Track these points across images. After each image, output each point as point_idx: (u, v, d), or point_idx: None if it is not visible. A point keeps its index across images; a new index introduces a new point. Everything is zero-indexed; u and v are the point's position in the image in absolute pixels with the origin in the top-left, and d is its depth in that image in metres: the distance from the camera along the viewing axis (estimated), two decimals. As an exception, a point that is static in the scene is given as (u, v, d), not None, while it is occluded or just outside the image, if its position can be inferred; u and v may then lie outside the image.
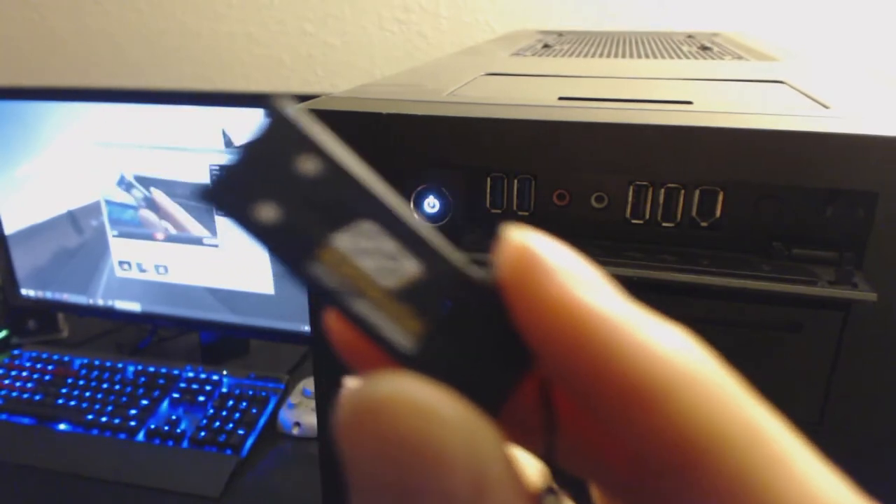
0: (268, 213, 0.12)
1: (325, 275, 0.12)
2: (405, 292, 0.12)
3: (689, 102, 0.30)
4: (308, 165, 0.12)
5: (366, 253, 0.12)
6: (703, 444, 0.11)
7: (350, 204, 0.12)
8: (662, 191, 0.27)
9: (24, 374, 0.94)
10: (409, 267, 0.12)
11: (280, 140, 0.12)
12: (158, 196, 0.91)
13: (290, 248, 0.12)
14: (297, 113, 0.12)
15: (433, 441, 0.11)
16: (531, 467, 0.15)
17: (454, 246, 0.13)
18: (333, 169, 0.12)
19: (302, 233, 0.12)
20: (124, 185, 0.91)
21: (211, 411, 0.86)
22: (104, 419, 0.84)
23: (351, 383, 0.12)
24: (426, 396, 0.11)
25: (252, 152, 0.12)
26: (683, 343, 0.12)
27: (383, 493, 0.11)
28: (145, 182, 0.91)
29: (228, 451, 0.80)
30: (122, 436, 0.83)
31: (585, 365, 0.12)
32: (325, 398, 0.36)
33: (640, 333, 0.12)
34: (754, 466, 0.11)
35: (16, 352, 0.99)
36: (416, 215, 0.13)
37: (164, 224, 0.92)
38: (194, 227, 0.91)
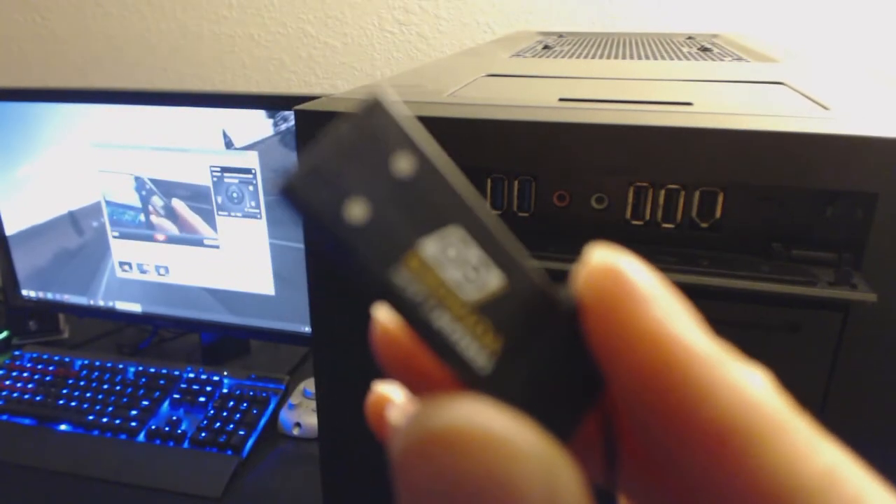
0: (358, 211, 0.11)
1: (408, 283, 0.11)
2: (487, 307, 0.11)
3: (689, 104, 0.30)
4: (403, 164, 0.11)
5: (452, 262, 0.11)
6: (786, 495, 0.10)
7: (441, 208, 0.11)
8: (662, 192, 0.27)
9: (25, 374, 0.94)
10: (494, 280, 0.11)
11: (377, 133, 0.11)
12: (178, 205, 0.91)
13: (376, 250, 0.11)
14: (398, 105, 0.11)
15: (509, 477, 0.09)
16: None
17: (535, 262, 0.12)
18: (428, 169, 0.11)
19: (390, 235, 0.11)
20: (144, 190, 0.92)
21: (211, 412, 0.86)
22: (105, 420, 0.84)
23: (411, 407, 0.10)
24: (502, 426, 0.10)
25: (345, 143, 0.11)
26: (767, 387, 0.12)
27: None
28: (146, 183, 0.91)
29: (229, 452, 0.80)
30: (123, 436, 0.83)
31: (669, 402, 0.11)
32: (326, 399, 0.36)
33: (730, 375, 0.11)
34: None
35: (16, 352, 0.99)
36: (504, 226, 0.12)
37: (172, 227, 0.92)
38: (208, 232, 0.91)
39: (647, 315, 0.11)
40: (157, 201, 0.91)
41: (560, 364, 0.12)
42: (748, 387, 0.11)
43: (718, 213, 0.27)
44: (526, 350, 0.11)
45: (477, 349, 0.11)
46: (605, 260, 0.12)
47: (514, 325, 0.11)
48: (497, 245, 0.11)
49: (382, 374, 0.14)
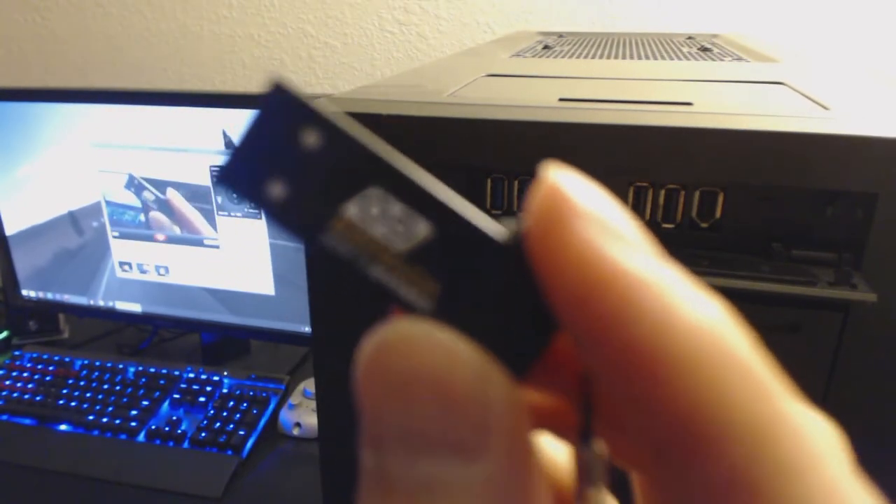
0: (278, 189, 0.12)
1: (339, 244, 0.12)
2: (417, 254, 0.12)
3: (689, 104, 0.30)
4: (311, 138, 0.12)
5: (376, 219, 0.12)
6: (711, 432, 0.10)
7: (356, 172, 0.12)
8: (662, 192, 0.27)
9: (25, 374, 0.94)
10: (421, 229, 0.12)
11: (281, 115, 0.12)
12: (173, 196, 0.91)
13: (302, 222, 0.12)
14: (294, 87, 0.12)
15: (444, 377, 0.10)
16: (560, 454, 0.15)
17: (474, 205, 0.12)
18: (335, 138, 0.12)
19: (312, 206, 0.12)
20: (133, 186, 0.92)
21: (211, 412, 0.86)
22: (105, 420, 0.84)
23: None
24: (443, 336, 0.11)
25: (256, 131, 0.12)
26: (716, 315, 0.11)
27: (390, 433, 0.11)
28: (146, 183, 0.91)
29: (229, 452, 0.80)
30: (123, 436, 0.83)
31: (597, 325, 0.10)
32: (326, 399, 0.36)
33: (666, 297, 0.10)
34: (763, 468, 0.09)
35: (17, 352, 0.99)
36: (428, 176, 0.12)
37: (174, 227, 0.92)
38: (206, 228, 0.91)
39: (580, 233, 0.10)
40: (148, 196, 0.91)
41: (507, 301, 0.12)
42: (687, 310, 0.10)
43: (718, 213, 0.27)
44: (467, 289, 0.12)
45: (416, 294, 0.12)
46: (549, 179, 0.11)
47: (448, 267, 0.12)
48: (419, 195, 0.12)
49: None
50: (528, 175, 0.28)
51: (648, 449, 0.11)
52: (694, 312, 0.10)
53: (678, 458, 0.10)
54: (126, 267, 0.97)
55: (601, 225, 0.11)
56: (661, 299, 0.10)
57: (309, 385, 0.89)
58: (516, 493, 0.11)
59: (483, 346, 0.11)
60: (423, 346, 0.11)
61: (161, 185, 0.91)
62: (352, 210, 0.12)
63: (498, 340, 0.12)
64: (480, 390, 0.10)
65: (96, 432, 0.84)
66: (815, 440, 0.10)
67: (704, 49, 0.60)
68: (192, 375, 0.93)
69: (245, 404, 0.87)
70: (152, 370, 0.94)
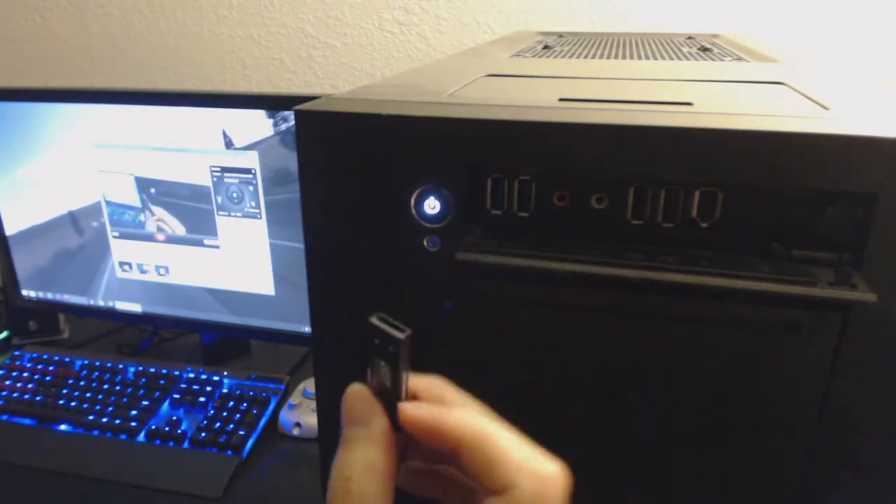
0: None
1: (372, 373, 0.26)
2: (381, 386, 0.26)
3: (690, 104, 0.30)
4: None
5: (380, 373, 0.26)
6: (465, 452, 0.24)
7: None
8: (662, 192, 0.27)
9: (25, 374, 0.94)
10: (385, 378, 0.25)
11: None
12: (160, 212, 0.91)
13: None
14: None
15: (361, 404, 0.26)
16: None
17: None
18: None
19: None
20: (140, 189, 0.91)
21: (211, 412, 0.86)
22: (105, 420, 0.84)
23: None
24: (362, 390, 0.26)
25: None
26: (468, 416, 0.25)
27: (343, 420, 0.26)
28: (146, 183, 0.91)
29: (229, 452, 0.80)
30: (123, 436, 0.83)
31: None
32: (326, 399, 0.36)
33: (455, 419, 0.25)
34: (484, 452, 0.24)
35: (17, 353, 0.99)
36: (405, 369, 0.26)
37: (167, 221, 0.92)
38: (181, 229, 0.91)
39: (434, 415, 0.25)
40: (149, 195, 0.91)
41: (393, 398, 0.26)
42: (455, 421, 0.25)
43: (718, 214, 0.27)
44: (385, 386, 0.26)
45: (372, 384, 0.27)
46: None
47: (391, 392, 0.26)
48: (396, 371, 0.26)
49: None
50: (528, 175, 0.28)
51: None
52: (452, 422, 0.25)
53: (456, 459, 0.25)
54: (126, 267, 0.97)
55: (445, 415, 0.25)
56: (445, 422, 0.25)
57: (309, 385, 0.89)
58: (380, 443, 0.25)
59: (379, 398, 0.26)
60: (358, 392, 0.26)
61: (161, 185, 0.91)
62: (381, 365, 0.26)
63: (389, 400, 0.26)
64: (371, 409, 0.26)
65: (96, 432, 0.84)
66: (498, 436, 0.25)
67: (704, 49, 0.60)
68: (192, 375, 0.93)
69: (245, 404, 0.87)
70: (152, 370, 0.94)
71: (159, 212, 0.92)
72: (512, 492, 0.23)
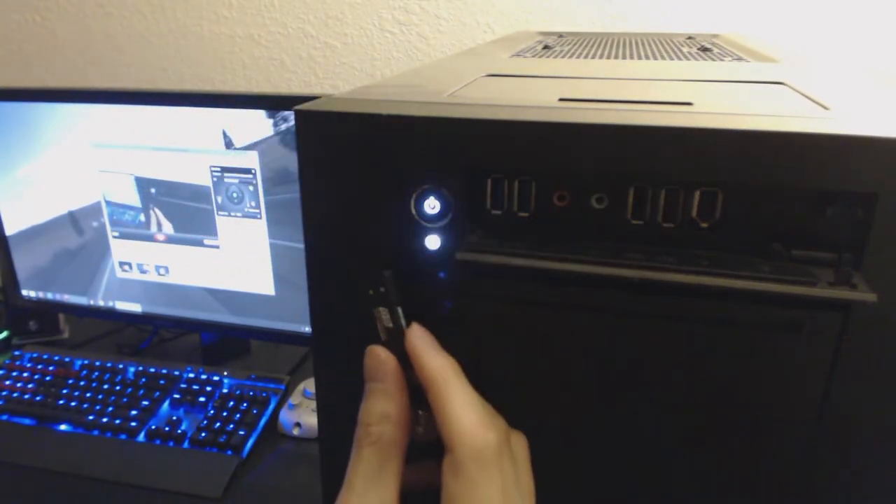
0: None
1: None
2: (387, 332, 0.30)
3: (690, 104, 0.30)
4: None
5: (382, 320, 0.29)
6: (436, 391, 0.27)
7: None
8: (663, 192, 0.27)
9: (25, 374, 0.94)
10: (387, 321, 0.29)
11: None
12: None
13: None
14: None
15: (379, 363, 0.29)
16: None
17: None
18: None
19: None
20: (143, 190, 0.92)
21: (212, 412, 0.86)
22: (105, 420, 0.84)
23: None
24: (375, 351, 0.30)
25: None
26: (445, 362, 0.28)
27: (366, 375, 0.30)
28: (146, 183, 0.91)
29: (229, 452, 0.80)
30: (123, 436, 0.83)
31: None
32: (326, 399, 0.36)
33: (427, 360, 0.28)
34: (446, 398, 0.27)
35: (17, 353, 0.99)
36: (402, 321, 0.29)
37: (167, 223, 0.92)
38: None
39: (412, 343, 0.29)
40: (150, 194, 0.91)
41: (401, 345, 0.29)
42: (432, 363, 0.28)
43: (718, 213, 0.27)
44: (395, 339, 0.30)
45: (382, 334, 0.30)
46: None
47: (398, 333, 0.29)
48: (398, 321, 0.30)
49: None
50: (528, 175, 0.28)
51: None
52: (432, 363, 0.28)
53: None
54: (126, 267, 0.97)
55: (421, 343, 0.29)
56: (428, 365, 0.28)
57: (309, 385, 0.89)
58: (394, 395, 0.29)
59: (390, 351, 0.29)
60: (375, 352, 0.30)
61: (161, 185, 0.91)
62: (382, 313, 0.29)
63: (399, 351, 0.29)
64: (385, 365, 0.29)
65: (96, 432, 0.84)
66: (459, 387, 0.28)
67: (704, 49, 0.60)
68: (192, 375, 0.93)
69: (245, 404, 0.87)
70: (152, 370, 0.94)
71: (156, 211, 0.92)
72: (452, 455, 0.26)
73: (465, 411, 0.27)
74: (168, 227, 0.92)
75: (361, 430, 0.29)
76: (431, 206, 0.28)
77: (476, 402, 0.27)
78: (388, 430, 0.28)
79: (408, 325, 0.29)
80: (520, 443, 0.30)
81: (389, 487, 0.28)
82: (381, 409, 0.29)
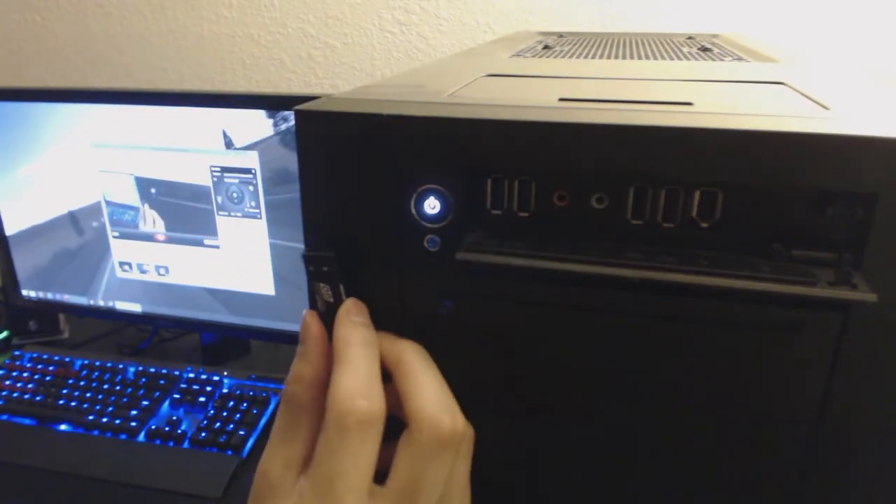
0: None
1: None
2: (326, 305, 0.30)
3: (690, 104, 0.30)
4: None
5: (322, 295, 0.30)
6: (405, 368, 0.29)
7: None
8: (663, 192, 0.27)
9: (25, 374, 0.94)
10: (328, 296, 0.30)
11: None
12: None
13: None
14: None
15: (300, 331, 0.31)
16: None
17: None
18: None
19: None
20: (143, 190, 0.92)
21: (212, 412, 0.86)
22: (105, 420, 0.84)
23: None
24: (304, 317, 0.31)
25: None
26: (411, 346, 0.30)
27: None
28: (146, 183, 0.91)
29: (229, 452, 0.80)
30: (123, 436, 0.83)
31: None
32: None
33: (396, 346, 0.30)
34: (415, 374, 0.28)
35: (17, 352, 0.99)
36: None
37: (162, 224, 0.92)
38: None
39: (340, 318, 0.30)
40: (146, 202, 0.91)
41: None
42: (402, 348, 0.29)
43: (718, 213, 0.27)
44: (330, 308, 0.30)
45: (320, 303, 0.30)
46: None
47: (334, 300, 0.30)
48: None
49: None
50: (528, 175, 0.28)
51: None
52: (399, 342, 0.30)
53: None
54: (126, 267, 0.97)
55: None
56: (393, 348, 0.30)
57: (309, 385, 0.89)
58: (309, 357, 0.30)
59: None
60: (303, 317, 0.31)
61: (161, 185, 0.91)
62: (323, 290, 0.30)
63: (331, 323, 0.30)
64: (307, 329, 0.31)
65: (96, 432, 0.84)
66: (424, 367, 0.29)
67: (704, 49, 0.60)
68: (192, 375, 0.93)
69: (245, 404, 0.87)
70: (152, 370, 0.94)
71: (151, 211, 0.92)
72: (410, 431, 0.27)
73: (346, 375, 0.27)
74: (166, 227, 0.92)
75: (284, 389, 0.31)
76: (431, 206, 0.28)
77: (365, 372, 0.28)
78: (300, 390, 0.29)
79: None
80: (470, 440, 0.30)
81: (297, 447, 0.29)
82: (298, 370, 0.30)
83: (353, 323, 0.29)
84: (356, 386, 0.27)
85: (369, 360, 0.28)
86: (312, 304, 0.31)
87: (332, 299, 0.30)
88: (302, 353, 0.30)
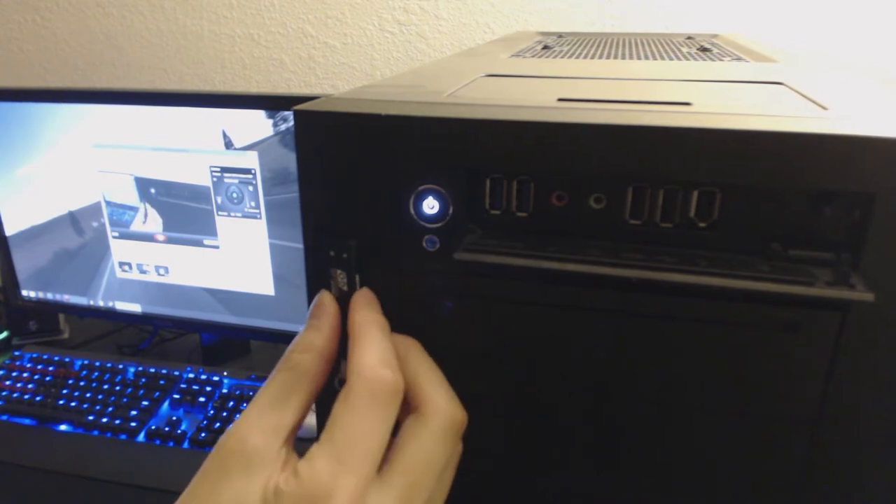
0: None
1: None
2: (339, 292, 0.31)
3: (689, 104, 0.30)
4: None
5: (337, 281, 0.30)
6: (353, 336, 0.28)
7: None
8: (661, 192, 0.27)
9: (25, 375, 0.94)
10: (343, 283, 0.30)
11: None
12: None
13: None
14: None
15: (312, 307, 0.31)
16: None
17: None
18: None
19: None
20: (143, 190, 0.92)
21: (211, 412, 0.86)
22: (105, 420, 0.84)
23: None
24: (320, 296, 0.31)
25: None
26: (375, 317, 0.29)
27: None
28: (146, 183, 0.91)
29: (229, 452, 0.80)
30: (123, 436, 0.83)
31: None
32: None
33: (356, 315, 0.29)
34: (360, 339, 0.28)
35: (17, 353, 1.00)
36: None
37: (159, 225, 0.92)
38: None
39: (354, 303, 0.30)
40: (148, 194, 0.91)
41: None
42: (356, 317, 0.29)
43: (716, 213, 0.27)
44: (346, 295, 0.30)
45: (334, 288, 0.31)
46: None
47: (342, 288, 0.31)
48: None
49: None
50: (526, 175, 0.28)
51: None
52: (361, 313, 0.29)
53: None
54: (126, 267, 0.97)
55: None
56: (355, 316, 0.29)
57: (309, 385, 0.89)
58: (323, 330, 0.30)
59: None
60: (319, 296, 0.31)
61: (161, 185, 0.91)
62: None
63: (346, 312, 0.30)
64: (323, 306, 0.31)
65: (96, 432, 0.84)
66: (374, 332, 0.29)
67: (704, 49, 0.60)
68: (192, 375, 0.93)
69: (245, 404, 0.87)
70: (152, 370, 0.94)
71: (151, 210, 0.92)
72: (346, 384, 0.27)
73: (370, 349, 0.28)
74: (166, 227, 0.92)
75: (284, 356, 0.30)
76: (430, 206, 0.28)
77: (388, 348, 0.28)
78: (307, 358, 0.29)
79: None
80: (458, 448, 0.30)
81: (289, 415, 0.28)
82: (308, 339, 0.29)
83: (372, 308, 0.30)
84: (383, 357, 0.27)
85: (389, 342, 0.29)
86: (310, 295, 0.31)
87: (346, 287, 0.30)
88: (315, 326, 0.30)
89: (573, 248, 0.28)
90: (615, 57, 0.55)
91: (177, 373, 0.93)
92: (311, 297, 0.32)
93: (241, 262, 0.91)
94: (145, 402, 0.87)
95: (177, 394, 0.89)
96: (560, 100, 0.32)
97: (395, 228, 0.29)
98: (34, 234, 0.98)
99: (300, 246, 0.30)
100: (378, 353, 0.28)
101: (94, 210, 0.95)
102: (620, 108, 0.30)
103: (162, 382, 0.91)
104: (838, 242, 0.26)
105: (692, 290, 0.26)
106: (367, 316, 0.29)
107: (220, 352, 1.04)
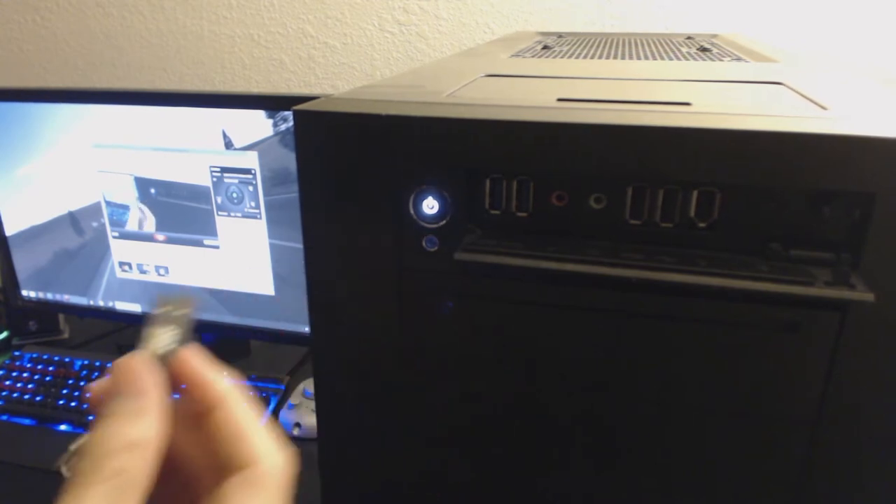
0: None
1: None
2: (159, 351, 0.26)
3: (688, 104, 0.30)
4: None
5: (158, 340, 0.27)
6: (229, 407, 0.25)
7: None
8: (661, 192, 0.27)
9: (25, 375, 0.94)
10: (167, 342, 0.27)
11: None
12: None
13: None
14: None
15: (124, 378, 0.24)
16: None
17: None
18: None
19: None
20: (141, 190, 0.91)
21: (211, 412, 0.86)
22: (105, 420, 0.84)
23: None
24: (134, 360, 0.25)
25: None
26: (226, 383, 0.26)
27: None
28: (146, 183, 0.91)
29: (229, 452, 0.80)
30: (123, 436, 0.83)
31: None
32: (326, 399, 0.36)
33: (216, 378, 0.26)
34: (237, 417, 0.25)
35: (17, 353, 0.99)
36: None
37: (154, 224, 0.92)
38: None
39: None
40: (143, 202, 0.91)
41: None
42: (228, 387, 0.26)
43: (716, 213, 0.27)
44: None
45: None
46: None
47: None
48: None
49: (379, 374, 0.22)
50: (526, 175, 0.28)
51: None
52: (220, 382, 0.26)
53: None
54: (126, 267, 0.97)
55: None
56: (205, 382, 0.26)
57: (309, 385, 0.89)
58: (154, 415, 0.24)
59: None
60: (132, 362, 0.25)
61: (161, 186, 0.91)
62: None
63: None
64: (147, 379, 0.24)
65: (96, 432, 0.84)
66: (242, 410, 0.26)
67: (703, 49, 0.60)
68: (191, 375, 0.93)
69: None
70: (152, 370, 0.94)
71: (151, 211, 0.92)
72: (253, 470, 0.24)
73: (262, 430, 0.25)
74: (166, 227, 0.92)
75: (91, 462, 0.22)
76: (430, 206, 0.28)
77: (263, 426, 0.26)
78: (137, 462, 0.22)
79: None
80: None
81: None
82: (130, 434, 0.22)
83: (214, 369, 0.27)
84: (265, 433, 0.25)
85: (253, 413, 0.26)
86: (310, 295, 0.31)
87: (172, 347, 0.27)
88: (134, 410, 0.23)
89: (573, 249, 0.28)
90: (615, 57, 0.55)
91: (177, 373, 0.93)
92: (310, 297, 0.32)
93: (241, 262, 0.91)
94: (145, 402, 0.87)
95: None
96: (560, 100, 0.32)
97: (395, 228, 0.29)
98: (34, 234, 0.98)
99: (300, 246, 0.30)
100: (264, 432, 0.25)
101: (94, 210, 0.95)
102: (620, 108, 0.30)
103: (162, 382, 0.91)
104: (838, 242, 0.26)
105: (692, 290, 0.26)
106: (223, 384, 0.26)
107: (219, 352, 1.03)
